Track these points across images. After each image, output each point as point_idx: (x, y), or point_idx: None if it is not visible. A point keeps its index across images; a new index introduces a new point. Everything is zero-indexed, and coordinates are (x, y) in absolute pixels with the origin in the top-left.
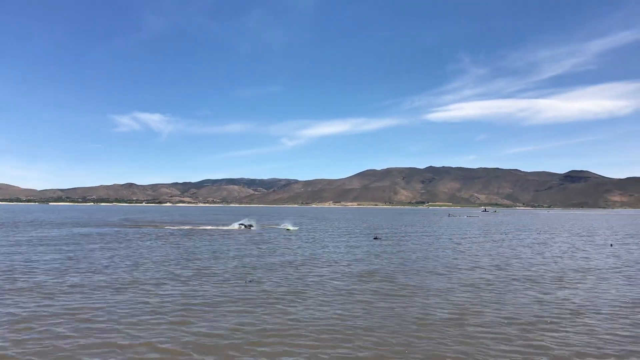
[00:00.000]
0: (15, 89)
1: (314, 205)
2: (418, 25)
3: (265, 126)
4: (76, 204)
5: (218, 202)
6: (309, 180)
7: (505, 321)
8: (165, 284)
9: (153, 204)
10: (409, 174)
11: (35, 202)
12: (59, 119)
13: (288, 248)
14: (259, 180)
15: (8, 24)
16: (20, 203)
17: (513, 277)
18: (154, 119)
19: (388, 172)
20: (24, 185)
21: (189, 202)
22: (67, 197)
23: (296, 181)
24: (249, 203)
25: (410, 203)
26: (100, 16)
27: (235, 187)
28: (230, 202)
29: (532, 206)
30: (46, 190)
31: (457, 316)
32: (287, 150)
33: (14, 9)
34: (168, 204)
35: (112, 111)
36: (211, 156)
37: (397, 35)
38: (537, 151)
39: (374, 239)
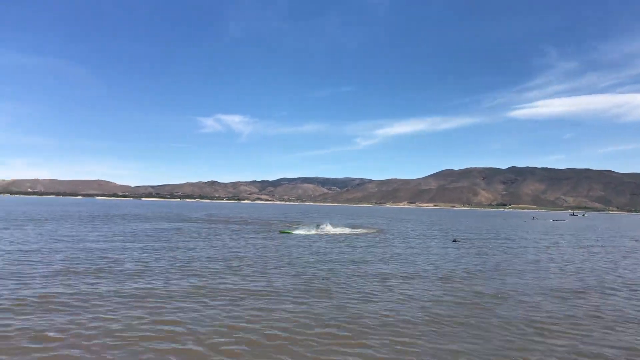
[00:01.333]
0: (113, 94)
1: (387, 205)
2: (498, 19)
3: (339, 126)
4: (164, 199)
5: (293, 200)
6: (383, 180)
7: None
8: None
9: (233, 201)
10: (489, 175)
11: (129, 197)
12: (151, 121)
13: (359, 248)
14: (333, 179)
15: (108, 32)
16: (117, 198)
17: (610, 286)
18: (235, 121)
19: (467, 172)
20: (120, 181)
21: (266, 200)
22: (157, 193)
23: (370, 180)
24: (323, 202)
25: (490, 205)
26: (187, 24)
27: (310, 185)
28: (305, 201)
29: (629, 210)
30: (139, 186)
31: (540, 325)
32: (361, 149)
33: (112, 18)
34: (247, 201)
35: (197, 113)
36: (287, 155)
37: (475, 30)
38: (635, 150)
39: (453, 241)
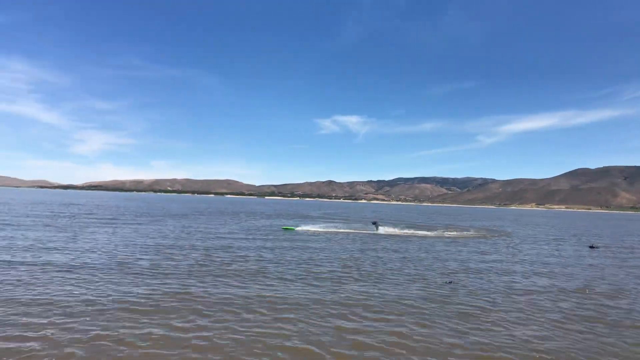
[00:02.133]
0: (240, 100)
1: (513, 207)
2: None
3: (459, 123)
4: (285, 198)
5: (410, 200)
6: (507, 180)
7: None
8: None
9: (349, 201)
10: (632, 174)
11: (254, 195)
12: (274, 125)
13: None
14: (452, 179)
15: (234, 43)
16: (243, 196)
17: None
18: (352, 121)
19: (605, 172)
20: (246, 181)
21: (382, 200)
22: (279, 192)
23: (493, 180)
24: (442, 202)
25: (633, 208)
26: (306, 28)
27: (428, 185)
28: (423, 201)
29: None
30: (263, 185)
31: None
32: (484, 147)
33: (236, 29)
34: (363, 201)
35: (316, 115)
36: (404, 155)
37: (611, 12)
38: None
39: (590, 247)
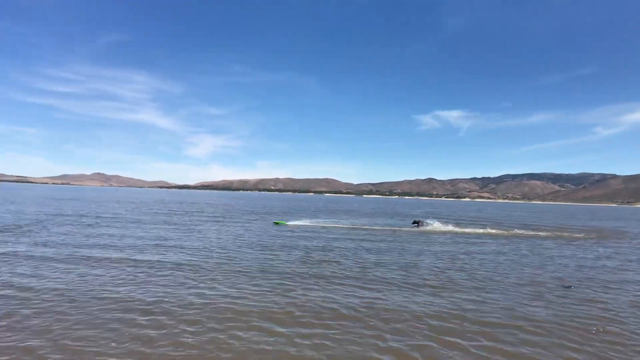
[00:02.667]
0: (338, 99)
1: (638, 206)
2: None
3: (573, 114)
4: (383, 196)
5: (518, 198)
6: (631, 175)
7: None
8: None
9: (451, 199)
10: None
11: (352, 194)
12: (371, 122)
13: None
14: (566, 175)
15: (329, 42)
16: (341, 195)
17: None
18: (453, 116)
19: None
20: (345, 179)
21: (487, 198)
22: (377, 190)
23: (613, 176)
24: (553, 200)
25: None
26: (402, 24)
27: (538, 182)
28: (532, 199)
29: None
30: (361, 184)
31: None
32: (602, 140)
33: (331, 28)
34: (466, 199)
35: (414, 111)
36: (511, 150)
37: None
38: None
39: None
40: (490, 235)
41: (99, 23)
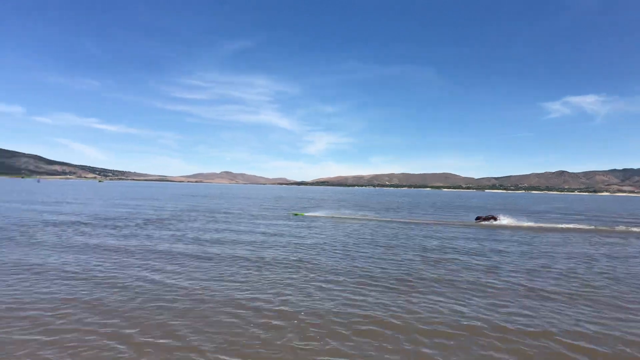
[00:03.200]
0: (457, 91)
1: None
2: None
3: None
4: (508, 191)
5: None
6: None
7: None
8: None
9: (586, 193)
10: None
11: (472, 189)
12: (494, 113)
13: None
14: None
15: (450, 34)
16: (460, 190)
17: None
18: (587, 101)
19: None
20: (464, 174)
21: (630, 192)
22: (500, 185)
23: None
24: None
25: None
26: (525, 5)
27: None
28: None
29: None
30: (482, 178)
31: None
32: None
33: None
34: (605, 193)
35: (542, 98)
36: None
37: None
38: None
39: None
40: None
41: (223, 33)
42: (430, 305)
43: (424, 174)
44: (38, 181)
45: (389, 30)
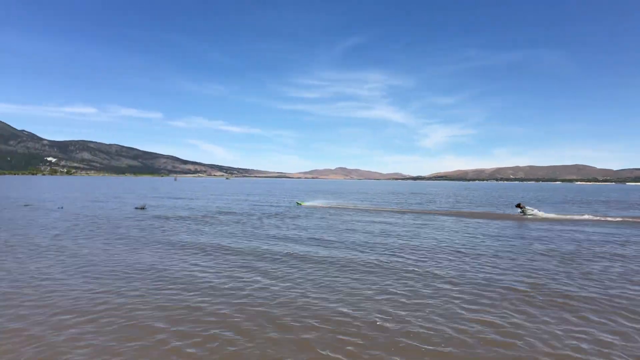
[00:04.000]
0: (589, 76)
1: None
2: None
3: None
4: None
5: None
6: None
7: None
8: None
9: None
10: None
11: (611, 181)
12: (636, 95)
13: None
14: None
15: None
16: (597, 183)
17: None
18: None
19: None
20: (600, 165)
21: None
22: None
23: None
24: None
25: None
26: None
27: None
28: None
29: None
30: (623, 170)
31: None
32: None
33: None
34: None
35: None
36: None
37: None
38: None
39: None
40: None
41: (337, 31)
42: None
43: (553, 166)
44: (175, 179)
45: (508, 14)
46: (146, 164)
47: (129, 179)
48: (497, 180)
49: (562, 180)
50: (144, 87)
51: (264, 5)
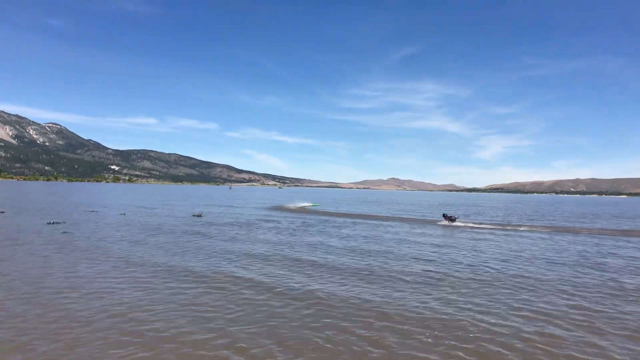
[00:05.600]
0: None
1: None
2: None
3: None
4: None
5: None
6: None
7: None
8: None
9: None
10: None
11: None
12: None
13: None
14: None
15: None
16: None
17: None
18: None
19: None
20: None
21: None
22: None
23: None
24: None
25: None
26: None
27: None
28: None
29: None
30: None
31: None
32: None
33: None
34: None
35: None
36: None
37: None
38: None
39: None
40: None
41: (391, 41)
42: None
43: (617, 178)
44: (230, 188)
45: (571, 21)
46: (203, 172)
47: (187, 187)
48: (556, 193)
49: (628, 194)
50: (201, 98)
51: (317, 17)
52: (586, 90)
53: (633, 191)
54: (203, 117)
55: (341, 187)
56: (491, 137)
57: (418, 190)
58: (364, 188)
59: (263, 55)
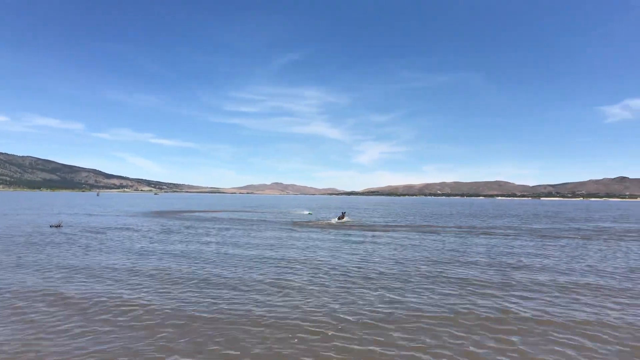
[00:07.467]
0: (505, 97)
1: None
2: None
3: None
4: (564, 199)
5: None
6: None
7: None
8: None
9: None
10: None
11: (527, 197)
12: (550, 117)
13: None
14: None
15: (490, 42)
16: (515, 198)
17: None
18: None
19: None
20: (518, 181)
21: None
22: (557, 193)
23: None
24: None
25: None
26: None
27: None
28: None
29: None
30: (538, 185)
31: None
32: None
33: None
34: None
35: (600, 102)
36: None
37: None
38: None
39: None
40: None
41: (276, 46)
42: None
43: (476, 182)
44: (97, 194)
45: (437, 40)
46: (65, 177)
47: (44, 194)
48: (425, 195)
49: (485, 196)
50: (64, 94)
51: (197, 15)
52: (450, 102)
53: (489, 193)
54: (66, 115)
55: (224, 192)
56: (368, 143)
57: (301, 194)
58: (248, 193)
59: (140, 53)
